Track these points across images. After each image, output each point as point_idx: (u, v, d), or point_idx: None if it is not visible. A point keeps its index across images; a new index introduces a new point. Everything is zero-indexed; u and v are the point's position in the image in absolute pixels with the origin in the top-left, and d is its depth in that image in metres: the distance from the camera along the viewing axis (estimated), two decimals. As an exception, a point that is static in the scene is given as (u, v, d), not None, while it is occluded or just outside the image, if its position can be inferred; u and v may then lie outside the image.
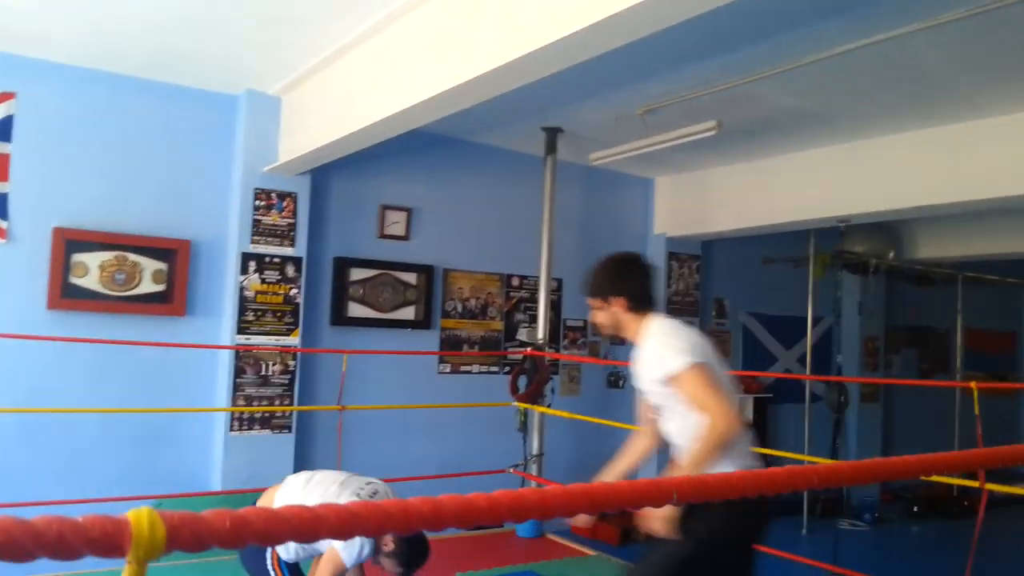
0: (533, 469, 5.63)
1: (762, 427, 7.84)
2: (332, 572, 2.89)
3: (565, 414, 5.50)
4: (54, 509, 4.34)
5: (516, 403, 5.41)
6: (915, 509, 8.34)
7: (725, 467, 2.55)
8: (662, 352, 2.67)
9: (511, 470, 5.26)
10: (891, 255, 8.45)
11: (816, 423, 8.13)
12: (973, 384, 3.98)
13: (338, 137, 4.64)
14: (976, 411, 3.89)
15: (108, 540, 0.67)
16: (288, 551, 3.05)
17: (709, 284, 8.07)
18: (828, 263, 8.01)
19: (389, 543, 2.91)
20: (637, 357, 2.82)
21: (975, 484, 3.72)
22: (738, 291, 8.29)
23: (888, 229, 8.47)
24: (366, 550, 2.88)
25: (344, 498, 2.95)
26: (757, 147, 6.44)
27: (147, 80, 5.20)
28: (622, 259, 2.94)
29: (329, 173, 5.77)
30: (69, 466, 4.85)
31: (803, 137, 6.10)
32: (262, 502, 3.14)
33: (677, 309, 7.61)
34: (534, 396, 5.39)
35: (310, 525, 0.77)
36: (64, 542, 0.65)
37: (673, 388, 2.63)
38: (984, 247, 8.20)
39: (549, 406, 5.76)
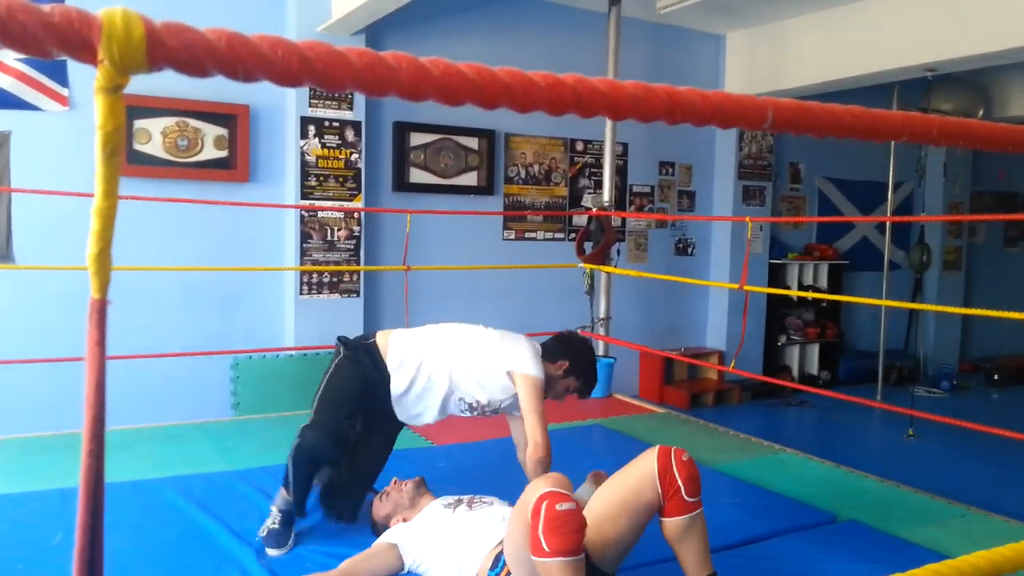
0: (600, 331, 5.58)
1: (837, 295, 7.60)
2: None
3: (633, 272, 5.38)
4: (136, 361, 4.48)
5: (583, 264, 5.31)
6: (996, 378, 8.08)
7: None
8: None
9: (579, 331, 5.19)
10: (980, 113, 7.90)
11: (894, 292, 7.86)
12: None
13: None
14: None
15: (73, 30, 0.59)
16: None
17: (783, 147, 7.71)
18: (912, 122, 7.54)
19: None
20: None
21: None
22: (814, 154, 7.91)
23: (977, 84, 7.90)
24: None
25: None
26: (838, -8, 5.98)
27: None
28: None
29: (385, 33, 5.58)
30: (148, 325, 4.96)
31: (889, -23, 5.62)
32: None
33: (748, 174, 7.32)
34: (601, 257, 5.28)
35: (381, 76, 0.68)
36: (15, 21, 0.57)
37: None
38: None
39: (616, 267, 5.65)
